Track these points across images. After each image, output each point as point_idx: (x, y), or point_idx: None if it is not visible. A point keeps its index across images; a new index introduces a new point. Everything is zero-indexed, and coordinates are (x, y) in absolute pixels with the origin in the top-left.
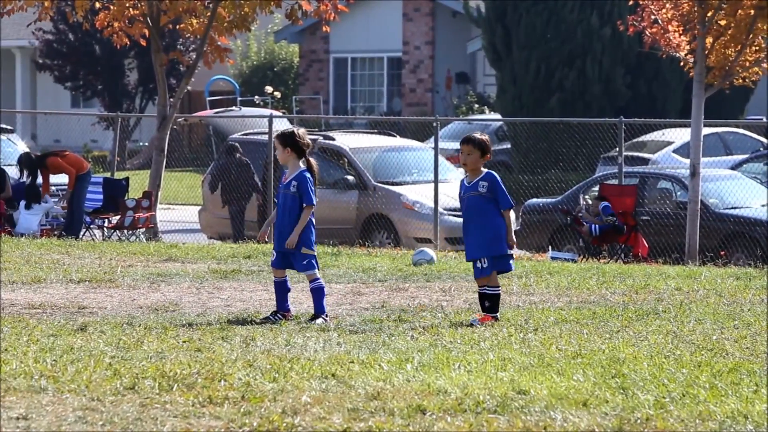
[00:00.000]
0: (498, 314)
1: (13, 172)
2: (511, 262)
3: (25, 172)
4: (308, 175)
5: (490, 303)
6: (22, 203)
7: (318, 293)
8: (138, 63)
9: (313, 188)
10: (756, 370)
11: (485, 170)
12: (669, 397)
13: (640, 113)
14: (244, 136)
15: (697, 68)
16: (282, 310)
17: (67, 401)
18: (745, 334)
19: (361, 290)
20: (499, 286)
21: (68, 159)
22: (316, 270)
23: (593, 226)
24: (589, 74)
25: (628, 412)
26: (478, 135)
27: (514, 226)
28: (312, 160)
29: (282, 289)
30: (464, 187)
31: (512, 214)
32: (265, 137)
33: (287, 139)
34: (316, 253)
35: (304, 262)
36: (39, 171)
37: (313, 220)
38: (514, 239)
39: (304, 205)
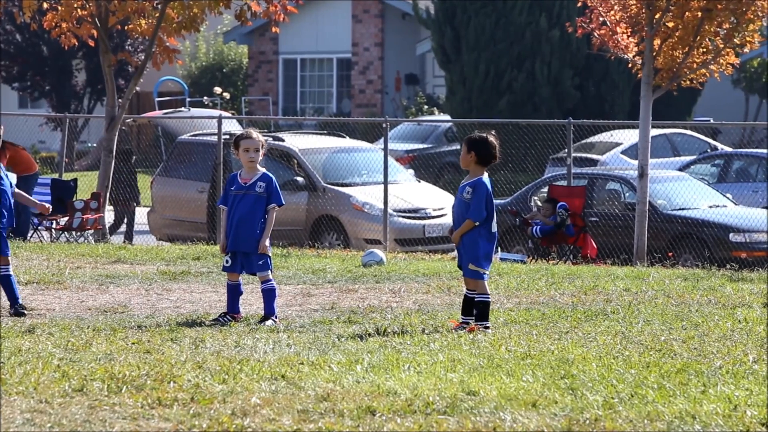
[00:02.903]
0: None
1: None
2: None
3: None
4: (272, 175)
5: (477, 310)
6: None
7: (269, 294)
8: (86, 64)
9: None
10: (704, 371)
11: (480, 176)
12: (618, 398)
13: (588, 115)
14: (194, 137)
15: (645, 70)
16: (232, 311)
17: (15, 403)
18: (693, 335)
19: (311, 291)
20: (487, 294)
21: (21, 155)
22: (270, 271)
23: (535, 227)
24: (538, 76)
25: (577, 413)
26: (477, 133)
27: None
28: None
29: (235, 292)
30: (460, 187)
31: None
32: (215, 138)
33: (262, 145)
34: (271, 254)
35: (260, 262)
36: None
37: None
38: (456, 238)
39: (274, 204)
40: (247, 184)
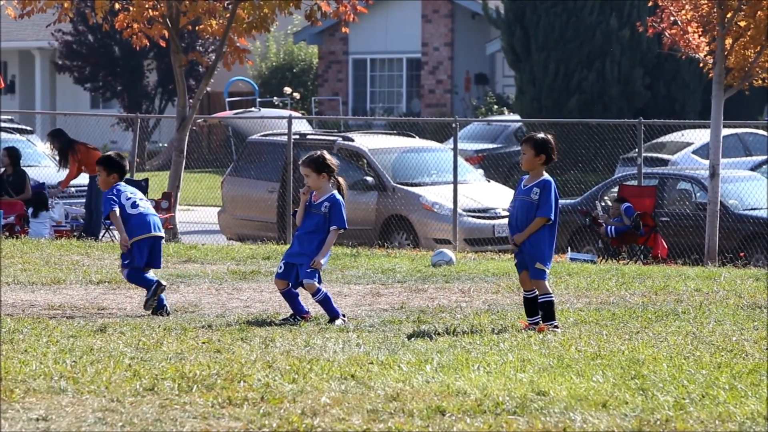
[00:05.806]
0: (556, 322)
1: (32, 173)
2: (542, 272)
3: (56, 149)
4: (340, 198)
5: (542, 311)
6: (30, 210)
7: (325, 302)
8: (157, 64)
9: (345, 212)
10: None
11: (545, 176)
12: (688, 399)
13: (659, 114)
14: (264, 137)
15: (716, 69)
16: (300, 314)
17: (86, 402)
18: (764, 335)
19: (381, 291)
20: (550, 293)
21: (93, 156)
22: (316, 281)
23: (609, 227)
24: (608, 75)
25: (647, 414)
26: (539, 134)
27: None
28: (341, 180)
29: (290, 296)
30: (519, 188)
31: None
32: (285, 138)
33: (321, 166)
34: (322, 271)
35: (309, 270)
36: (68, 154)
37: None
38: (522, 239)
39: (336, 227)
40: (315, 203)
